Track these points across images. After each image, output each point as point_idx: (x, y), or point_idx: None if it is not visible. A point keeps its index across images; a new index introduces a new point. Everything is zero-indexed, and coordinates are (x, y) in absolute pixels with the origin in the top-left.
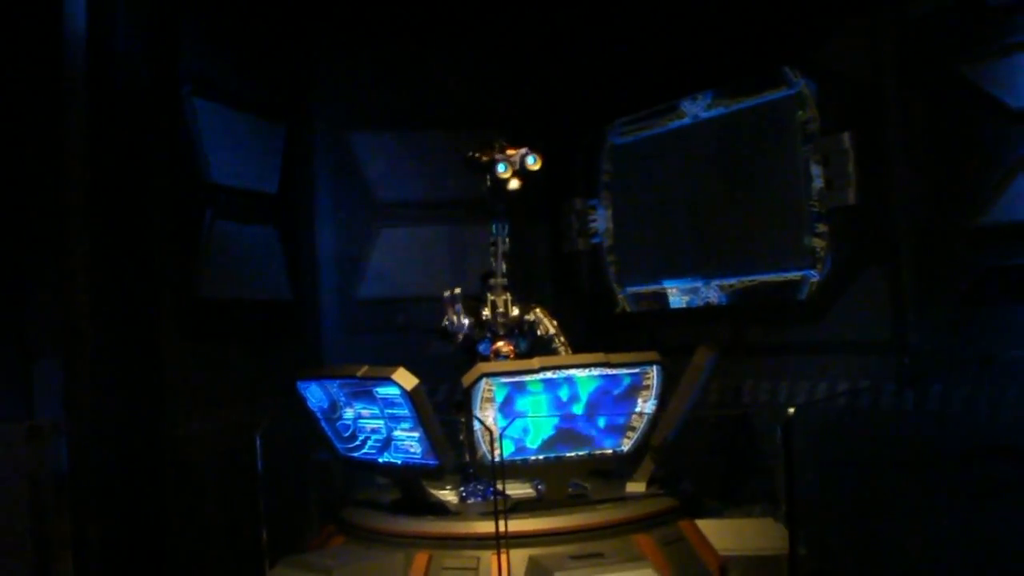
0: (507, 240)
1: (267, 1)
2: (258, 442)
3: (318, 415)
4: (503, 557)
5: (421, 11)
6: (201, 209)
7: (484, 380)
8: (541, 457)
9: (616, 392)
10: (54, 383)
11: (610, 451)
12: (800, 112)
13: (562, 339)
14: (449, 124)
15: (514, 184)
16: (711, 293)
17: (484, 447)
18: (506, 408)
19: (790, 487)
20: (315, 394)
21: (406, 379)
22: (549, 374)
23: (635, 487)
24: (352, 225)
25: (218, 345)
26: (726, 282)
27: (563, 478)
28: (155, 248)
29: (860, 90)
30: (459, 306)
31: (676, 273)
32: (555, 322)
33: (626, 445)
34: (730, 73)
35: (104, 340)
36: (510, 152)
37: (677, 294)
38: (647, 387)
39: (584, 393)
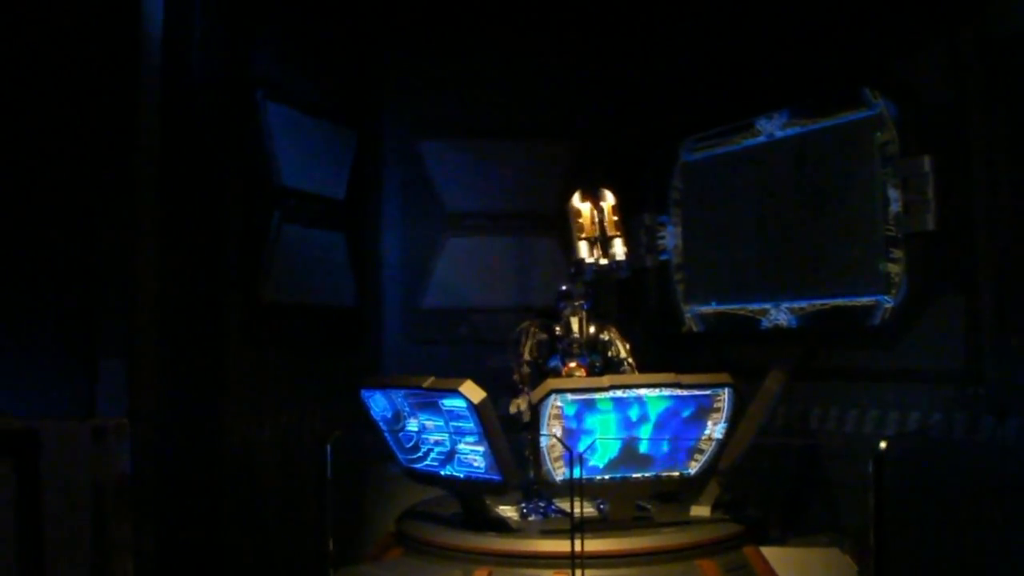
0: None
1: (341, 8)
2: (328, 451)
3: (381, 424)
4: None
5: (494, 21)
6: (269, 212)
7: (553, 396)
8: (607, 477)
9: (685, 414)
10: (118, 384)
11: (677, 474)
12: (879, 134)
13: (631, 361)
14: (519, 135)
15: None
16: (781, 315)
17: (549, 464)
18: (577, 425)
19: (879, 521)
20: (379, 403)
21: (473, 392)
22: (619, 393)
23: (700, 511)
24: (419, 233)
25: (281, 350)
26: (797, 305)
27: (628, 499)
28: (222, 250)
29: (942, 112)
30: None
31: (745, 294)
32: (627, 345)
33: (693, 468)
34: (807, 92)
35: (169, 342)
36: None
37: (745, 315)
38: (717, 410)
39: (653, 414)
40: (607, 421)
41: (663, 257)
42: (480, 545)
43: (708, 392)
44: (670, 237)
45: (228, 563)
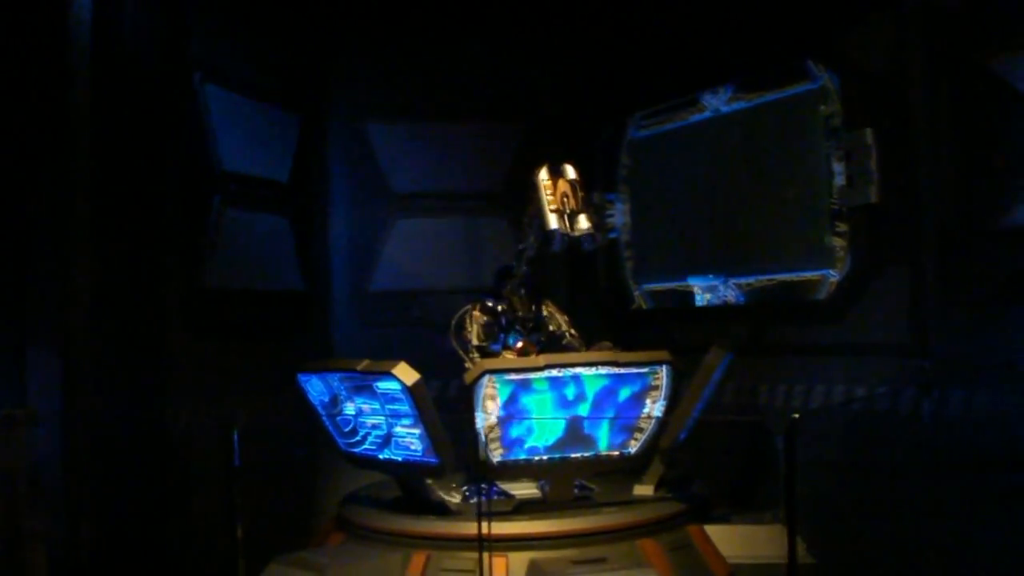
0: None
1: None
2: (235, 438)
3: (319, 409)
4: (498, 560)
5: (441, 1)
6: (209, 197)
7: (487, 377)
8: (546, 457)
9: (624, 392)
10: (51, 374)
11: (617, 453)
12: (823, 107)
13: (573, 332)
14: (467, 115)
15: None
16: (729, 291)
17: (486, 445)
18: (510, 406)
19: (790, 494)
20: (316, 388)
21: (407, 374)
22: (555, 372)
23: (643, 490)
24: (367, 216)
25: (225, 336)
26: (744, 280)
27: (568, 479)
28: (161, 235)
29: (885, 84)
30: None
31: (694, 270)
32: (566, 317)
33: (633, 447)
34: (752, 66)
35: (105, 329)
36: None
37: (694, 292)
38: (656, 387)
39: (591, 392)
40: (543, 401)
41: (612, 235)
42: (418, 529)
43: (646, 369)
44: (619, 215)
45: (168, 554)
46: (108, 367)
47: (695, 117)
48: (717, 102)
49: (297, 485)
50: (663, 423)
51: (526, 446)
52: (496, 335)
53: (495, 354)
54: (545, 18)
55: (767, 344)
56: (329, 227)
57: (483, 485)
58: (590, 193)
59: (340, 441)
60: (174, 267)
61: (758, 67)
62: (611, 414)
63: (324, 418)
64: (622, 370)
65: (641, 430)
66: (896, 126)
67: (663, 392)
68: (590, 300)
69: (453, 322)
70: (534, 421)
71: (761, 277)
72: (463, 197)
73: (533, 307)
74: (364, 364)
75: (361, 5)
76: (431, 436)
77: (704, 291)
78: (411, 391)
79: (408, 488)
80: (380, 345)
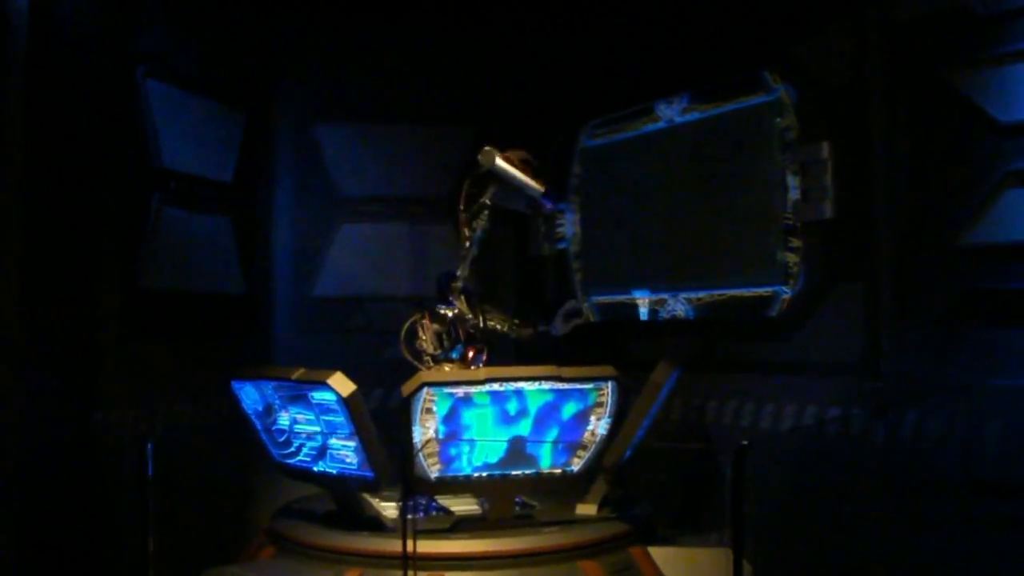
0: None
1: None
2: (150, 448)
3: (252, 418)
4: None
5: (391, 2)
6: (148, 195)
7: (426, 390)
8: (485, 475)
9: (567, 408)
10: None
11: (559, 471)
12: (778, 119)
13: (517, 321)
14: (417, 119)
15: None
16: (679, 306)
17: (423, 460)
18: (450, 420)
19: (737, 521)
20: (250, 395)
21: (343, 384)
22: (495, 386)
23: (585, 509)
24: (311, 219)
25: (160, 339)
26: (694, 295)
27: (508, 497)
28: (94, 232)
29: (842, 97)
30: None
31: (643, 283)
32: (506, 316)
33: (576, 465)
34: (707, 76)
35: (31, 329)
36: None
37: (644, 305)
38: (601, 404)
39: (534, 408)
40: (484, 416)
41: (561, 246)
42: (351, 545)
43: (591, 385)
44: (569, 225)
45: (91, 567)
46: (33, 370)
47: (649, 127)
48: (672, 112)
49: (229, 496)
50: (607, 441)
51: (465, 462)
52: (451, 343)
53: (453, 362)
54: (499, 20)
55: (717, 360)
56: (273, 229)
57: (421, 500)
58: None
59: (274, 452)
60: (108, 266)
61: (714, 77)
62: (554, 431)
63: (258, 427)
64: (566, 385)
65: (585, 448)
66: (853, 140)
67: (608, 409)
68: (538, 312)
69: (404, 330)
70: (474, 436)
71: (712, 292)
72: (411, 202)
73: (476, 313)
74: (299, 373)
75: (310, 3)
76: (367, 449)
77: (653, 305)
78: (347, 402)
79: (342, 502)
80: (321, 352)
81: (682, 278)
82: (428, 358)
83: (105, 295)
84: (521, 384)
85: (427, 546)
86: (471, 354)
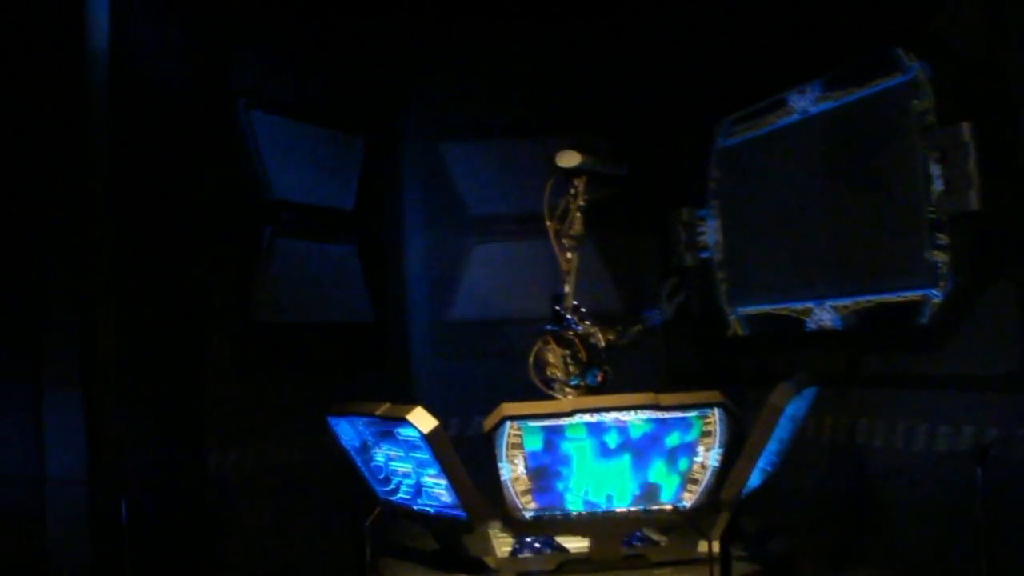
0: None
1: (342, 7)
2: (124, 507)
3: (352, 454)
4: None
5: (515, 14)
6: (259, 228)
7: (508, 424)
8: (585, 512)
9: (671, 439)
10: (72, 421)
11: (669, 507)
12: (915, 101)
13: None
14: (547, 131)
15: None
16: (825, 315)
17: (516, 498)
18: (542, 455)
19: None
20: (346, 432)
21: (423, 420)
22: (587, 417)
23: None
24: (443, 241)
25: (279, 373)
26: (840, 302)
27: (614, 535)
28: (198, 270)
29: (982, 72)
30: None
31: (788, 292)
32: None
33: (688, 500)
34: (837, 59)
35: (135, 371)
36: None
37: (790, 316)
38: (709, 433)
39: (634, 439)
40: (581, 449)
41: (704, 255)
42: None
43: (695, 413)
44: (711, 232)
45: None
46: (138, 412)
47: (783, 121)
48: (805, 103)
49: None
50: (721, 473)
51: (562, 500)
52: (580, 366)
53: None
54: (622, 23)
55: (866, 374)
56: (403, 254)
57: (535, 539)
58: (679, 209)
59: (377, 489)
60: (218, 303)
61: (844, 59)
62: (658, 464)
63: (359, 464)
64: (666, 415)
65: (695, 481)
66: (996, 119)
67: (717, 438)
68: (684, 326)
69: (531, 359)
70: (570, 471)
71: (858, 298)
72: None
73: (596, 330)
74: (383, 409)
75: (431, 21)
76: (455, 488)
77: (799, 315)
78: (428, 439)
79: (444, 542)
80: (461, 378)
81: (827, 284)
82: (560, 385)
83: (215, 331)
84: (614, 414)
85: None
86: (600, 377)
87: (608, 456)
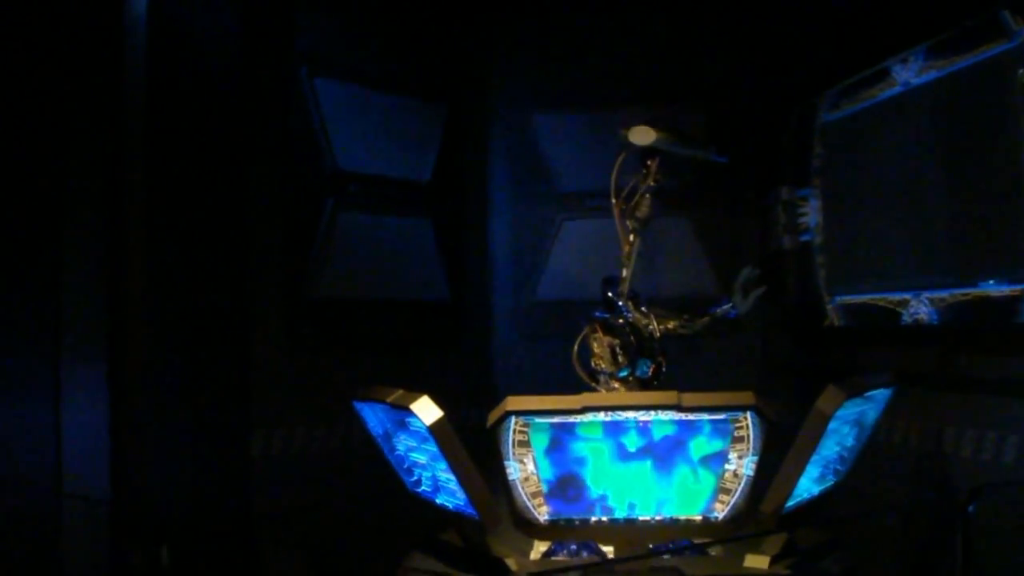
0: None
1: None
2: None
3: (379, 442)
4: None
5: None
6: (319, 200)
7: (513, 420)
8: (605, 519)
9: (697, 443)
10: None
11: (699, 518)
12: (1022, 70)
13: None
14: (643, 103)
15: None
16: (922, 308)
17: (526, 500)
18: (554, 455)
19: None
20: (370, 418)
21: (427, 410)
22: (602, 416)
23: (756, 562)
24: (530, 217)
25: (339, 353)
26: (937, 295)
27: (639, 545)
28: (252, 242)
29: None
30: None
31: (885, 281)
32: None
33: (720, 511)
34: (940, 24)
35: (168, 345)
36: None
37: (886, 307)
38: (741, 439)
39: (659, 441)
40: (598, 451)
41: (804, 238)
42: None
43: (723, 416)
44: (812, 213)
45: None
46: (168, 389)
47: (885, 93)
48: (908, 74)
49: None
50: (754, 482)
51: (580, 504)
52: (629, 357)
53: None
54: None
55: (958, 376)
56: (486, 230)
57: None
58: (779, 188)
59: (405, 479)
60: (271, 278)
61: (947, 24)
62: (683, 470)
63: (386, 452)
64: (690, 416)
65: (727, 491)
66: None
67: (751, 444)
68: (782, 316)
69: (575, 348)
70: (586, 474)
71: (956, 291)
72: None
73: (651, 318)
74: (395, 396)
75: None
76: (463, 485)
77: (897, 306)
78: (432, 431)
79: (466, 539)
80: (545, 360)
81: (925, 273)
82: (605, 378)
83: (264, 307)
84: (631, 413)
85: None
86: (652, 369)
87: (628, 459)
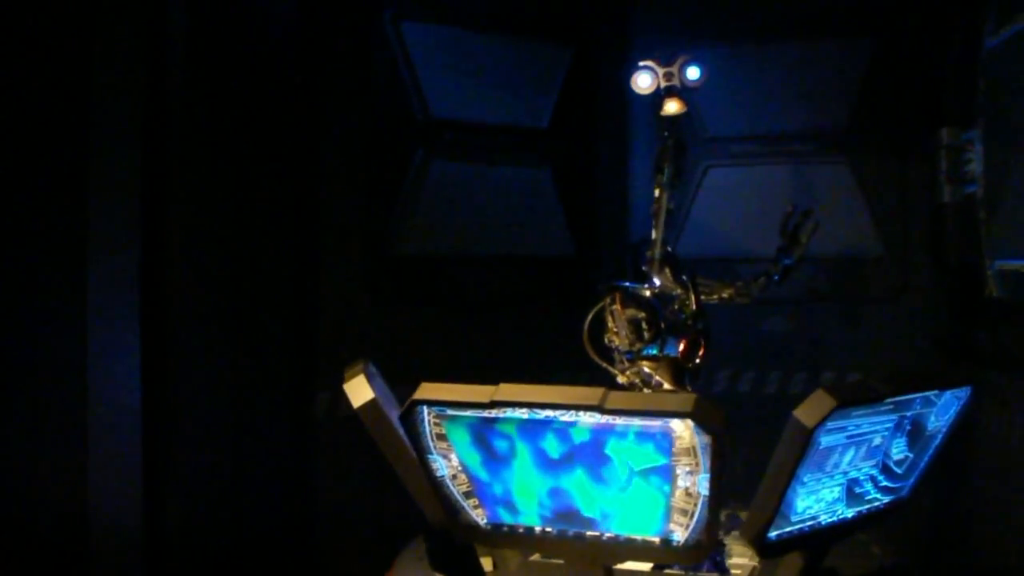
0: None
1: None
2: None
3: None
4: None
5: None
6: (408, 149)
7: (423, 410)
8: (550, 530)
9: (623, 452)
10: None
11: (657, 539)
12: None
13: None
14: (797, 35)
15: (672, 107)
16: None
17: (459, 498)
18: (477, 453)
19: None
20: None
21: (357, 391)
22: (511, 411)
23: None
24: None
25: (428, 312)
26: None
27: (597, 565)
28: (332, 198)
29: None
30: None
31: None
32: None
33: (679, 534)
34: None
35: (257, 308)
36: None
37: None
38: (685, 451)
39: (580, 447)
40: (521, 453)
41: (969, 189)
42: None
43: (657, 422)
44: (977, 160)
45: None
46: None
47: None
48: None
49: None
50: (718, 501)
51: (516, 511)
52: (654, 333)
53: (659, 361)
54: None
55: None
56: (625, 179)
57: None
58: (939, 131)
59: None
60: (348, 230)
61: None
62: (614, 484)
63: None
64: (614, 420)
65: (683, 512)
66: None
67: (699, 460)
68: (942, 283)
69: (587, 322)
70: (512, 479)
71: None
72: (792, 138)
73: (688, 288)
74: (350, 368)
75: None
76: (403, 480)
77: None
78: (360, 415)
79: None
80: None
81: None
82: (621, 357)
83: (339, 260)
84: (547, 412)
85: None
86: (682, 348)
87: (555, 465)
